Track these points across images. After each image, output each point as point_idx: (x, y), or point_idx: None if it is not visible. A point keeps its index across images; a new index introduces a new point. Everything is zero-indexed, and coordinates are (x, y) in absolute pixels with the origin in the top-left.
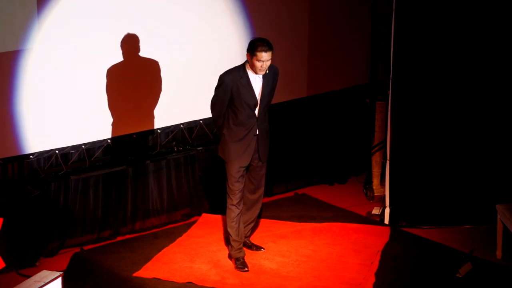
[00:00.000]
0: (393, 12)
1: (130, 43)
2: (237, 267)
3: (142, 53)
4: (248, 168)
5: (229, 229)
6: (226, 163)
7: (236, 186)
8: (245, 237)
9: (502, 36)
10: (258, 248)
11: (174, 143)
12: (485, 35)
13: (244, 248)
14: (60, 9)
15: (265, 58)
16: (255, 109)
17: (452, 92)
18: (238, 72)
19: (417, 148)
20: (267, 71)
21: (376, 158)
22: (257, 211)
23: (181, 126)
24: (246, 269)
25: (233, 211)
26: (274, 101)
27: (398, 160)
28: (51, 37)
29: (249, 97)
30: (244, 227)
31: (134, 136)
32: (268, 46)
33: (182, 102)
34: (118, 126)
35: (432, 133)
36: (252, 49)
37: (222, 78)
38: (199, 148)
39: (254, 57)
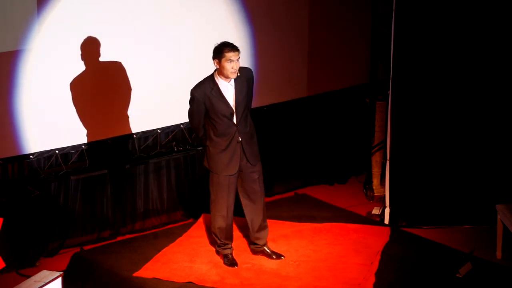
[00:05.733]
0: (393, 12)
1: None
2: (225, 264)
3: (142, 53)
4: (240, 176)
5: (214, 231)
6: (212, 174)
7: (224, 198)
8: (263, 245)
9: (502, 36)
10: (278, 256)
11: (174, 143)
12: (485, 35)
13: (264, 257)
14: (60, 9)
15: (234, 57)
16: (232, 117)
17: (452, 92)
18: (208, 84)
19: (417, 148)
20: (238, 74)
21: (376, 158)
22: (260, 219)
23: (181, 126)
24: (235, 266)
25: (220, 219)
26: (274, 101)
27: (398, 160)
28: (51, 37)
29: (224, 108)
30: (256, 239)
31: (134, 136)
32: (234, 47)
33: (182, 102)
34: (118, 126)
35: (432, 133)
36: (219, 52)
37: (193, 93)
38: (199, 148)
39: (223, 59)
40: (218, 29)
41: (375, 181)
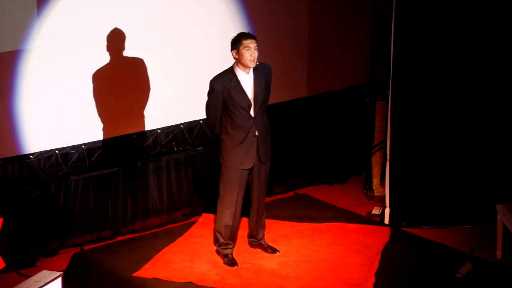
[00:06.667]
0: (393, 12)
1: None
2: (225, 264)
3: (142, 53)
4: (250, 172)
5: (218, 229)
6: (224, 169)
7: (233, 192)
8: (260, 239)
9: (502, 36)
10: (274, 250)
11: (174, 143)
12: (485, 35)
13: (260, 250)
14: (60, 9)
15: (251, 44)
16: (250, 110)
17: (452, 92)
18: (228, 75)
19: (417, 148)
20: (257, 63)
21: (376, 158)
22: (261, 215)
23: (181, 126)
24: (235, 266)
25: (226, 216)
26: (274, 101)
27: (398, 160)
28: (51, 37)
29: (242, 99)
30: (256, 234)
31: (134, 136)
32: (251, 35)
33: (182, 102)
34: (118, 126)
35: (432, 133)
36: (237, 41)
37: (212, 84)
38: (199, 148)
39: (241, 46)
40: (217, 29)
41: (375, 181)
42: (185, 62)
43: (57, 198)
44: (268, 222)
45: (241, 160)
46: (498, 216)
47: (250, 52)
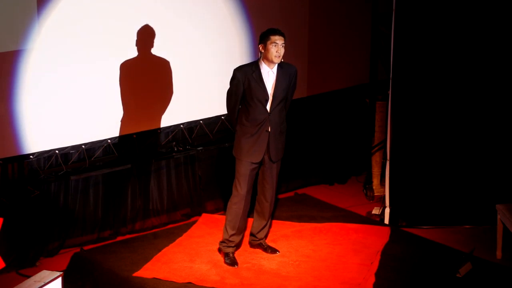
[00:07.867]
0: (393, 12)
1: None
2: (226, 263)
3: (142, 54)
4: (260, 167)
5: (225, 225)
6: (236, 161)
7: (243, 187)
8: (260, 239)
9: (502, 36)
10: (274, 250)
11: (174, 143)
12: (485, 35)
13: (260, 250)
14: (60, 9)
15: (279, 41)
16: (266, 104)
17: (452, 92)
18: (251, 67)
19: (417, 148)
20: (282, 60)
21: (376, 158)
22: (267, 215)
23: (181, 126)
24: (235, 266)
25: (234, 211)
26: None
27: (398, 160)
28: (51, 37)
29: (260, 92)
30: (257, 232)
31: (134, 136)
32: (280, 32)
33: (182, 102)
34: (117, 125)
35: (432, 133)
36: (265, 36)
37: (235, 72)
38: (199, 148)
39: (269, 42)
40: (216, 30)
41: (375, 181)
42: (185, 63)
43: (57, 198)
44: None
45: (250, 152)
46: (498, 216)
47: (277, 48)
